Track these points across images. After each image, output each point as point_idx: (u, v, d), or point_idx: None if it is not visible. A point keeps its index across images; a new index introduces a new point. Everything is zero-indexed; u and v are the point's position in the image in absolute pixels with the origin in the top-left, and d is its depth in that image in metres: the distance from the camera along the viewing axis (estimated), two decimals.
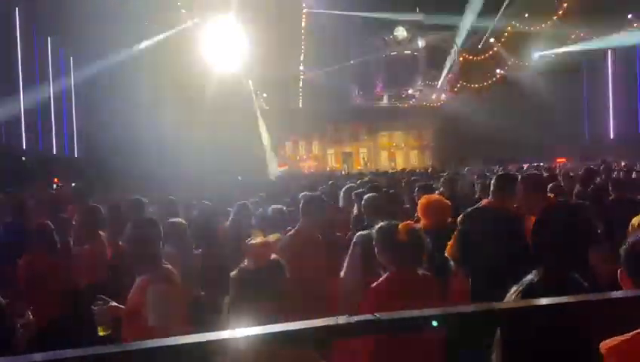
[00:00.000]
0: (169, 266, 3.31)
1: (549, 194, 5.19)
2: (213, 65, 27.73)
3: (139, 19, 23.81)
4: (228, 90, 29.47)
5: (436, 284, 3.42)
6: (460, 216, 4.43)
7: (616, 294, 1.07)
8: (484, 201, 4.67)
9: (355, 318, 1.03)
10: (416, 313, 1.07)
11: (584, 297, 1.07)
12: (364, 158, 42.54)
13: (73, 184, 15.42)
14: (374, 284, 3.26)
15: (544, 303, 1.10)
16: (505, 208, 4.36)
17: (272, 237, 2.68)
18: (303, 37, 30.96)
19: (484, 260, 3.86)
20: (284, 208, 5.60)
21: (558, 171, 11.54)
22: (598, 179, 8.03)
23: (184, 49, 25.30)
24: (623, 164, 13.87)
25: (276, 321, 1.07)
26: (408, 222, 3.67)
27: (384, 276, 3.31)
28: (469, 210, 4.58)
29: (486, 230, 4.11)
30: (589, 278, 2.43)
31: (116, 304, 3.16)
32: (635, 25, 30.45)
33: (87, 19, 21.10)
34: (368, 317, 1.02)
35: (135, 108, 23.65)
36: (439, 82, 40.58)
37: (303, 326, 1.08)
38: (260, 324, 1.06)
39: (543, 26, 31.30)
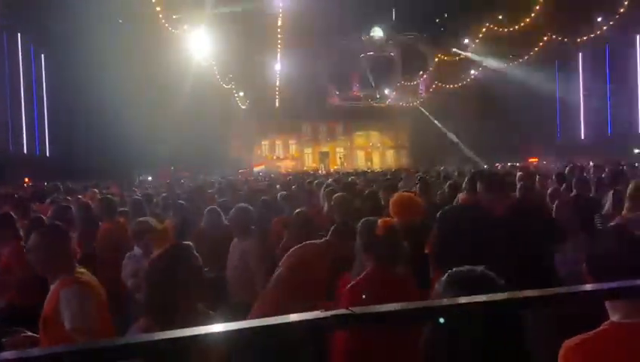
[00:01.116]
0: (84, 270, 3.22)
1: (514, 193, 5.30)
2: (188, 65, 27.47)
3: (112, 18, 23.44)
4: (203, 89, 29.26)
5: (414, 283, 3.44)
6: (438, 214, 4.46)
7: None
8: (460, 199, 4.71)
9: (331, 313, 1.03)
10: (391, 307, 1.08)
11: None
12: (340, 158, 42.70)
13: (45, 183, 15.13)
14: (352, 282, 3.26)
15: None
16: (480, 206, 4.40)
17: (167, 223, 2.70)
18: (279, 36, 30.86)
19: (461, 258, 3.88)
20: (249, 207, 5.49)
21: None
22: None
23: (158, 48, 24.98)
24: (591, 164, 14.32)
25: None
26: (387, 219, 3.66)
27: (362, 274, 3.30)
28: (446, 208, 4.62)
29: (462, 228, 4.13)
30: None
31: (31, 334, 2.93)
32: (604, 27, 31.18)
33: (59, 17, 20.69)
34: (343, 311, 1.03)
35: (107, 108, 23.27)
36: (415, 83, 40.95)
37: (276, 322, 1.07)
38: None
39: (516, 27, 31.77)
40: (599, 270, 1.89)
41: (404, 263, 3.42)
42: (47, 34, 23.28)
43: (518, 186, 6.17)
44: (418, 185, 7.33)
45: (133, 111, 23.80)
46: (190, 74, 27.50)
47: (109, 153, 22.75)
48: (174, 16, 24.43)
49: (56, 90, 25.80)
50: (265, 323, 1.06)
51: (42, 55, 26.32)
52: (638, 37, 32.19)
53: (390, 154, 45.07)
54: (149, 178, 21.24)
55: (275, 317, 1.09)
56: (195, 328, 1.03)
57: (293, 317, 1.09)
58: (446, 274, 1.38)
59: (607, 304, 1.81)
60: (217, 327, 1.04)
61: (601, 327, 1.79)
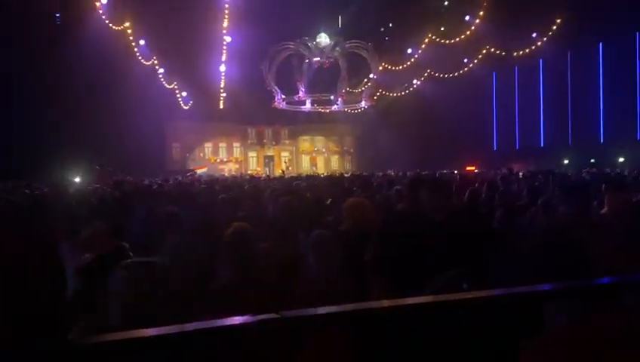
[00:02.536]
0: None
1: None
2: (127, 62, 26.75)
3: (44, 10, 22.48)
4: (143, 88, 28.56)
5: (356, 288, 3.44)
6: (380, 220, 4.50)
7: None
8: (400, 206, 4.76)
9: (258, 317, 1.00)
10: (320, 310, 1.06)
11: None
12: (285, 162, 42.67)
13: None
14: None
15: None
16: (419, 212, 4.47)
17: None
18: (224, 37, 30.53)
19: (402, 264, 3.92)
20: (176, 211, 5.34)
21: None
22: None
23: (92, 42, 24.09)
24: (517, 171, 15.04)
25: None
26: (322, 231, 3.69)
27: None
28: (387, 214, 4.67)
29: (403, 234, 4.17)
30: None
31: None
32: (538, 43, 32.78)
33: None
34: (272, 315, 1.00)
35: (31, 105, 22.22)
36: (360, 90, 41.51)
37: (205, 326, 1.03)
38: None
39: (457, 39, 32.88)
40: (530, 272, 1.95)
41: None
42: None
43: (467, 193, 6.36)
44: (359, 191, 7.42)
45: (62, 111, 22.95)
46: (129, 71, 26.77)
47: (33, 153, 21.75)
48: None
49: None
50: (193, 328, 1.01)
51: None
52: (569, 53, 34.05)
53: (335, 159, 45.48)
54: (77, 179, 20.38)
55: (203, 322, 1.05)
56: (119, 333, 0.97)
57: (221, 322, 1.05)
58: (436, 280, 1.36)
59: (548, 305, 1.87)
60: (141, 333, 0.99)
61: (551, 329, 1.84)
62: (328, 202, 6.79)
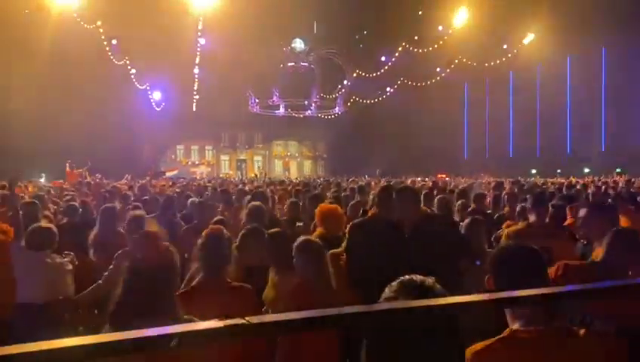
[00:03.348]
0: None
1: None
2: (98, 60, 26.34)
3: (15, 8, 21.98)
4: (114, 87, 28.13)
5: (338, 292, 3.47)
6: (348, 227, 4.51)
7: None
8: (370, 212, 4.78)
9: (224, 322, 0.99)
10: (288, 316, 1.05)
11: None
12: (259, 167, 42.48)
13: None
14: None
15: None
16: (389, 219, 4.50)
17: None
18: (199, 40, 30.29)
19: (370, 270, 3.93)
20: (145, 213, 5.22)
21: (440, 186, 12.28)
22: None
23: (64, 42, 23.66)
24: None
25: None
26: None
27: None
28: (357, 220, 4.68)
29: (372, 241, 4.18)
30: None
31: None
32: (509, 55, 33.51)
33: None
34: (238, 321, 0.99)
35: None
36: (334, 96, 41.71)
37: (169, 332, 1.02)
38: None
39: (430, 49, 33.35)
40: (501, 279, 1.99)
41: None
42: None
43: (436, 200, 6.42)
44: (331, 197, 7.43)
45: (33, 109, 22.47)
46: (100, 70, 26.36)
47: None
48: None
49: None
50: (157, 333, 1.00)
51: None
52: (538, 66, 34.87)
53: (308, 164, 45.51)
54: (42, 179, 19.89)
55: (169, 327, 1.03)
56: (79, 338, 0.95)
57: (186, 326, 1.04)
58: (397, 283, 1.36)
59: (508, 312, 1.91)
60: (112, 337, 0.97)
61: (503, 334, 1.87)
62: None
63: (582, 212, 3.77)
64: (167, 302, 2.26)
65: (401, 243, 4.46)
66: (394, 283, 1.34)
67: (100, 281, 4.35)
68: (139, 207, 5.83)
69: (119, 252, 4.36)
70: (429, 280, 1.35)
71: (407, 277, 1.38)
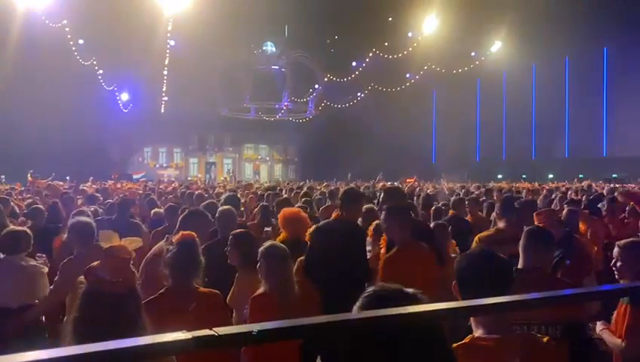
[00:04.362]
0: None
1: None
2: (60, 60, 25.76)
3: None
4: (81, 88, 27.56)
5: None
6: (310, 229, 4.52)
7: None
8: (334, 215, 4.81)
9: (192, 334, 0.99)
10: (258, 327, 1.05)
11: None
12: (228, 170, 42.14)
13: None
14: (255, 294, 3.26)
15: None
16: (352, 221, 4.55)
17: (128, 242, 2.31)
18: (168, 41, 29.93)
19: (331, 272, 3.94)
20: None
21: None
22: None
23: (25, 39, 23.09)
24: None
25: None
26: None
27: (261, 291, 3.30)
28: (320, 223, 4.71)
29: (334, 242, 4.22)
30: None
31: None
32: (476, 62, 34.18)
33: None
34: (205, 332, 0.98)
35: None
36: (305, 100, 41.75)
37: (139, 344, 1.00)
38: None
39: (400, 55, 33.75)
40: (465, 286, 2.02)
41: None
42: None
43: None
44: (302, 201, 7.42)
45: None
46: (66, 71, 25.79)
47: None
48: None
49: None
50: (123, 346, 0.98)
51: None
52: (504, 73, 35.67)
53: (278, 167, 45.39)
54: (2, 178, 19.32)
55: (135, 339, 1.02)
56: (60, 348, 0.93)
57: (154, 338, 1.03)
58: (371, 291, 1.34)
59: (472, 319, 1.94)
60: (79, 349, 0.95)
61: (464, 341, 1.91)
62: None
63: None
64: (131, 329, 1.95)
65: (362, 244, 4.55)
66: (368, 292, 1.33)
67: (46, 295, 4.09)
68: (83, 213, 5.55)
69: (65, 261, 4.05)
70: (408, 289, 1.35)
71: (380, 284, 1.38)
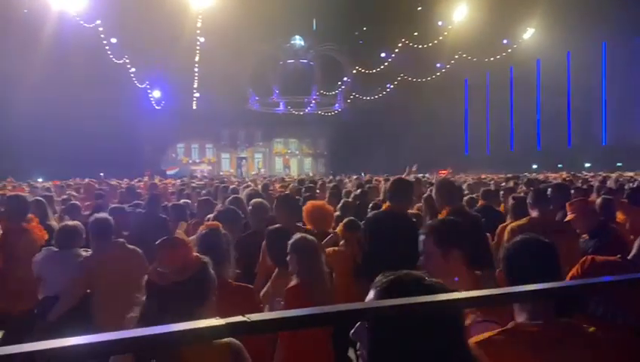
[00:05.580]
0: None
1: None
2: (98, 60, 26.35)
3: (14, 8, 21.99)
4: (115, 87, 28.13)
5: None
6: (363, 221, 4.48)
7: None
8: (384, 206, 4.75)
9: (225, 320, 0.99)
10: (287, 313, 1.05)
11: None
12: (259, 164, 42.54)
13: None
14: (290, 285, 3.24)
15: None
16: (402, 212, 4.46)
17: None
18: (198, 38, 30.27)
19: (385, 264, 3.87)
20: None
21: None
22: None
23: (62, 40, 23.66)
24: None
25: None
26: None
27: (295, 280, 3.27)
28: (370, 214, 4.64)
29: (386, 234, 4.16)
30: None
31: None
32: (509, 50, 33.47)
33: None
34: (238, 319, 0.99)
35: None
36: (334, 93, 41.69)
37: (170, 330, 1.01)
38: None
39: (430, 44, 33.31)
40: (512, 273, 1.98)
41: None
42: None
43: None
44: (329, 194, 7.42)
45: (31, 111, 22.50)
46: (100, 70, 26.36)
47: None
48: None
49: None
50: (159, 331, 0.99)
51: None
52: (538, 61, 34.83)
53: (308, 161, 45.50)
54: (40, 179, 19.86)
55: (169, 326, 1.03)
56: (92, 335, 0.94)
57: (187, 325, 1.04)
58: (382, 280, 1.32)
59: (515, 305, 1.91)
60: (113, 336, 0.96)
61: (506, 327, 1.88)
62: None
63: None
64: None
65: (413, 235, 4.41)
66: (385, 279, 1.31)
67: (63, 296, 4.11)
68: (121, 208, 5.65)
69: (85, 256, 4.20)
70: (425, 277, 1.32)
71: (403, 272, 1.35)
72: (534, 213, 4.57)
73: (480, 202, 6.67)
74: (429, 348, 1.21)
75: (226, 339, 1.97)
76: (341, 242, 4.80)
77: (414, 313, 1.14)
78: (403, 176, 13.05)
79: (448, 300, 1.16)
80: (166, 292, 2.00)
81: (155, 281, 2.05)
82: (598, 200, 5.63)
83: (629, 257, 2.95)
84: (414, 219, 4.68)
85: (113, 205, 6.59)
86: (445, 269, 2.38)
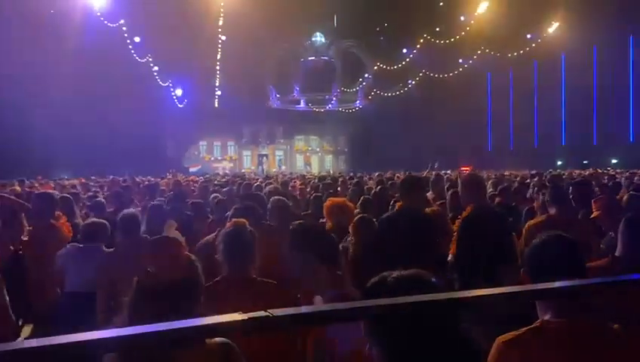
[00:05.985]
0: None
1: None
2: (121, 59, 26.66)
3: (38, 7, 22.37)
4: (137, 86, 28.43)
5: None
6: (379, 220, 4.46)
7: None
8: (398, 204, 4.72)
9: (248, 315, 1.00)
10: (310, 309, 1.06)
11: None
12: (280, 161, 42.69)
13: None
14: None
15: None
16: (415, 208, 4.42)
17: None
18: (219, 37, 30.46)
19: (402, 261, 3.85)
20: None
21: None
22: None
23: (87, 40, 23.98)
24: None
25: None
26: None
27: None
28: (384, 216, 4.62)
29: (402, 231, 4.13)
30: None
31: None
32: (532, 45, 32.92)
33: None
34: (261, 313, 1.00)
35: (18, 105, 22.03)
36: (354, 89, 41.55)
37: (193, 324, 1.03)
38: None
39: (452, 40, 32.95)
40: (534, 271, 1.97)
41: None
42: None
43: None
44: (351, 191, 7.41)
45: (54, 109, 22.85)
46: (124, 69, 26.67)
47: (18, 151, 21.59)
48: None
49: None
50: (183, 326, 1.01)
51: None
52: (563, 55, 34.19)
53: (329, 158, 45.48)
54: (65, 177, 20.21)
55: (193, 319, 1.04)
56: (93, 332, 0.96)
57: (209, 319, 1.05)
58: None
59: (539, 304, 1.89)
60: (138, 330, 0.98)
61: (533, 325, 1.86)
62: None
63: None
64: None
65: (427, 231, 4.37)
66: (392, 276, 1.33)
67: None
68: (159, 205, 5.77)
69: (110, 250, 4.38)
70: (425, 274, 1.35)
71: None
72: (552, 211, 4.51)
73: (496, 199, 6.62)
74: (440, 345, 1.23)
75: (216, 339, 1.95)
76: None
77: (432, 311, 1.14)
78: (424, 173, 12.98)
79: (474, 296, 1.16)
80: (156, 292, 1.96)
81: (145, 281, 2.02)
82: (625, 197, 5.53)
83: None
84: (429, 218, 4.60)
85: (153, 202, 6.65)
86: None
